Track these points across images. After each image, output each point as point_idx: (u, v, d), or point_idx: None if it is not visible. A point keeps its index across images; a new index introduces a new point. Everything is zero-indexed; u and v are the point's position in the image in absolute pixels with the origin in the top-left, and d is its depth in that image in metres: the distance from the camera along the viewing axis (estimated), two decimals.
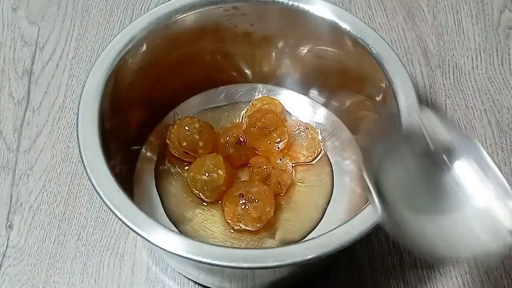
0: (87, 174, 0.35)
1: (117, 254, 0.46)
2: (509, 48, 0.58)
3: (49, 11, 0.61)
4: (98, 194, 0.34)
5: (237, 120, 0.50)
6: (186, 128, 0.45)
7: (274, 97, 0.50)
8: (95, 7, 0.61)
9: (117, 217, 0.33)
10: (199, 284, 0.44)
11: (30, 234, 0.47)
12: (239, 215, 0.42)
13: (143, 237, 0.33)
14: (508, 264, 0.45)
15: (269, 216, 0.43)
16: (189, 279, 0.45)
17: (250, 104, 0.49)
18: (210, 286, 0.43)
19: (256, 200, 0.42)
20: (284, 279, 0.41)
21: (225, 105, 0.51)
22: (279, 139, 0.45)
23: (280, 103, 0.49)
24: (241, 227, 0.43)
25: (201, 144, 0.45)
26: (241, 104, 0.51)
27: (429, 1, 0.61)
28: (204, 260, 0.32)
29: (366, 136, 0.47)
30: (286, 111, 0.50)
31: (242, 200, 0.42)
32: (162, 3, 0.43)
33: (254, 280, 0.39)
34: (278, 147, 0.46)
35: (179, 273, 0.45)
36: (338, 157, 0.47)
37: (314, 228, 0.44)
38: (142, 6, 0.61)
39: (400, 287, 0.44)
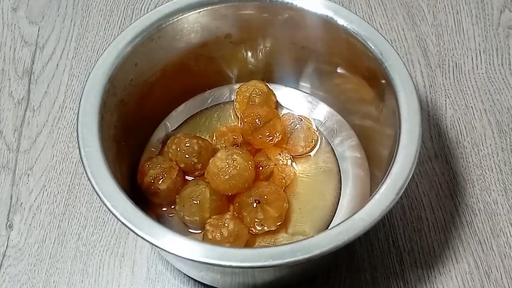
0: (91, 183, 0.35)
1: (117, 254, 0.46)
2: (509, 48, 0.58)
3: (49, 11, 0.61)
4: (97, 194, 0.34)
5: (229, 120, 0.50)
6: (183, 151, 0.44)
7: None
8: (95, 7, 0.61)
9: (121, 221, 0.33)
10: (199, 282, 0.44)
11: (30, 234, 0.47)
12: (261, 219, 0.41)
13: (155, 245, 0.32)
14: (508, 264, 0.45)
15: (285, 211, 0.43)
16: (190, 277, 0.45)
17: (237, 90, 0.49)
18: (211, 284, 0.44)
19: (272, 200, 0.42)
20: (283, 277, 0.41)
21: (213, 106, 0.50)
22: (268, 133, 0.45)
23: (266, 85, 0.49)
24: (264, 229, 0.42)
25: (199, 166, 0.44)
26: (229, 103, 0.51)
27: (429, 1, 0.61)
28: (215, 262, 0.31)
29: (366, 137, 0.47)
30: (280, 104, 0.50)
31: (256, 205, 0.41)
32: (162, 4, 0.43)
33: (255, 278, 0.39)
34: (272, 139, 0.46)
35: (180, 271, 0.45)
36: (335, 144, 0.48)
37: (323, 215, 0.44)
38: (142, 6, 0.61)
39: (400, 287, 0.44)
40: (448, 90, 0.55)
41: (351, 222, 0.33)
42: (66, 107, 0.54)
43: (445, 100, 0.54)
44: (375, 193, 0.35)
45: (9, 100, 0.54)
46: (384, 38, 0.41)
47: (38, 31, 0.59)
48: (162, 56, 0.44)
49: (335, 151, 0.48)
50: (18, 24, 0.60)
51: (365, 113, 0.46)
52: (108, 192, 0.34)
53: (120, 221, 0.33)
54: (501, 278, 0.45)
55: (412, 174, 0.35)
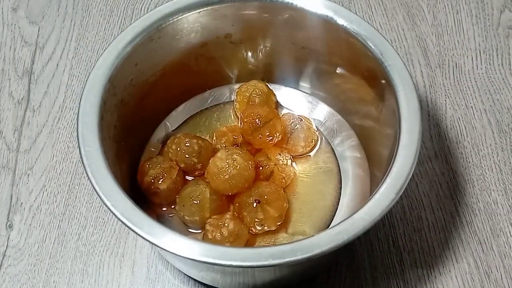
0: (92, 185, 0.35)
1: (117, 254, 0.46)
2: (509, 48, 0.58)
3: (49, 11, 0.61)
4: (98, 193, 0.34)
5: (229, 120, 0.50)
6: (183, 151, 0.44)
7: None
8: (95, 7, 0.61)
9: (121, 221, 0.33)
10: (199, 282, 0.44)
11: (30, 234, 0.47)
12: (261, 219, 0.41)
13: (155, 244, 0.32)
14: (508, 264, 0.45)
15: (285, 211, 0.43)
16: (190, 277, 0.45)
17: (237, 90, 0.49)
18: (211, 284, 0.44)
19: (272, 200, 0.42)
20: (283, 277, 0.41)
21: (213, 106, 0.50)
22: (268, 133, 0.45)
23: (266, 85, 0.49)
24: (264, 229, 0.42)
25: (199, 166, 0.44)
26: (229, 103, 0.51)
27: (429, 1, 0.61)
28: (215, 261, 0.31)
29: (367, 137, 0.47)
30: (280, 104, 0.50)
31: (256, 205, 0.41)
32: (162, 4, 0.43)
33: (255, 277, 0.39)
34: (272, 139, 0.46)
35: (180, 271, 0.45)
36: (335, 144, 0.48)
37: (323, 214, 0.44)
38: (142, 6, 0.61)
39: (400, 286, 0.44)
40: (448, 90, 0.55)
41: (351, 221, 0.33)
42: (66, 107, 0.54)
43: (445, 100, 0.54)
44: (375, 193, 0.35)
45: (9, 100, 0.54)
46: (384, 38, 0.41)
47: (38, 31, 0.59)
48: (162, 56, 0.44)
49: (335, 151, 0.48)
50: (18, 24, 0.60)
51: (365, 113, 0.46)
52: (108, 191, 0.34)
53: (120, 221, 0.33)
54: (501, 278, 0.45)
55: (412, 174, 0.35)
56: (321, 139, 0.48)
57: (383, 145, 0.41)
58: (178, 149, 0.44)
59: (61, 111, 0.53)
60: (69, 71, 0.56)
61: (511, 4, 0.61)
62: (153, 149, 0.47)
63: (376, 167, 0.44)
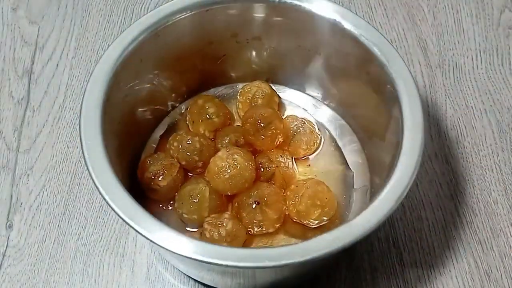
0: (92, 178, 0.35)
1: (117, 254, 0.46)
2: (509, 48, 0.58)
3: (49, 11, 0.61)
4: (96, 186, 0.34)
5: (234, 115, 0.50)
6: (185, 148, 0.44)
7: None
8: (95, 7, 0.61)
9: (118, 215, 0.33)
10: (199, 282, 0.44)
11: (30, 234, 0.47)
12: (260, 220, 0.41)
13: (150, 239, 0.32)
14: (508, 264, 0.45)
15: (284, 214, 0.43)
16: (190, 277, 0.45)
17: (240, 90, 0.49)
18: (211, 284, 0.44)
19: (271, 202, 0.42)
20: (286, 277, 0.41)
21: None
22: (270, 133, 0.45)
23: (269, 86, 0.49)
24: (262, 231, 0.42)
25: (200, 164, 0.44)
26: (232, 103, 0.50)
27: (429, 1, 0.61)
28: (211, 260, 0.31)
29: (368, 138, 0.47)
30: (283, 106, 0.50)
31: (255, 206, 0.41)
32: (162, 4, 0.43)
33: (255, 278, 0.39)
34: (274, 141, 0.45)
35: (180, 271, 0.45)
36: (337, 148, 0.48)
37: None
38: (142, 6, 0.61)
39: (400, 286, 0.44)
40: (448, 90, 0.55)
41: (348, 227, 0.33)
42: (66, 107, 0.54)
43: (445, 100, 0.54)
44: (375, 200, 0.34)
45: (9, 100, 0.54)
46: (390, 44, 0.41)
47: (38, 31, 0.59)
48: (167, 53, 0.44)
49: (336, 155, 0.47)
50: (18, 24, 0.60)
51: (368, 118, 0.46)
52: (108, 186, 0.34)
53: (118, 215, 0.33)
54: (501, 278, 0.45)
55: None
56: (323, 142, 0.48)
57: (385, 151, 0.41)
58: (180, 146, 0.44)
59: (61, 111, 0.53)
60: (69, 71, 0.56)
61: (511, 4, 0.61)
62: (154, 145, 0.48)
63: (376, 173, 0.44)
